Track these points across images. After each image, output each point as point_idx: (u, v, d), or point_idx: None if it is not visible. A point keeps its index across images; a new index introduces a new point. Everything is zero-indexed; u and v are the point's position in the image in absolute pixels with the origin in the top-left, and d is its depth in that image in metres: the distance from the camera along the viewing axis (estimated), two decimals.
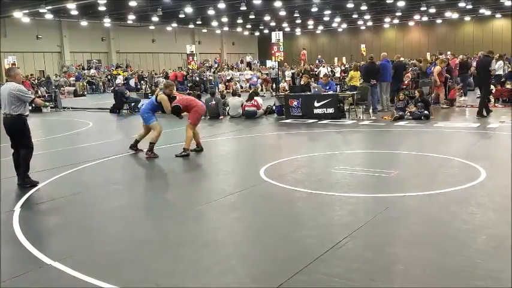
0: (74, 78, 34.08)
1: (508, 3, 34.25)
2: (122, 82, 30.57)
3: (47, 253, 4.38)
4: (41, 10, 28.77)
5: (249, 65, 40.24)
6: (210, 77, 28.86)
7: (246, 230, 5.11)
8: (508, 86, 15.44)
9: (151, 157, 8.83)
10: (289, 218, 5.35)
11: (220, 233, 4.95)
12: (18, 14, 30.63)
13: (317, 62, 33.73)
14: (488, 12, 40.61)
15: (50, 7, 28.50)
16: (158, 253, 4.38)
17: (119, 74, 35.10)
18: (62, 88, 30.58)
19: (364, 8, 33.56)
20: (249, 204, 6.03)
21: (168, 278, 3.85)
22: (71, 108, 21.10)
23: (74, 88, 31.19)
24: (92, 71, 37.60)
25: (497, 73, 16.79)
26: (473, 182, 6.24)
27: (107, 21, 37.19)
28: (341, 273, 3.80)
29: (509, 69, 19.18)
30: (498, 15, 41.88)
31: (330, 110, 13.34)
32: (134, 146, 9.43)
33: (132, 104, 18.21)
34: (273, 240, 4.64)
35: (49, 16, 32.58)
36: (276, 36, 16.45)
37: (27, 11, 30.36)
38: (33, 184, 6.92)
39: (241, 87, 26.86)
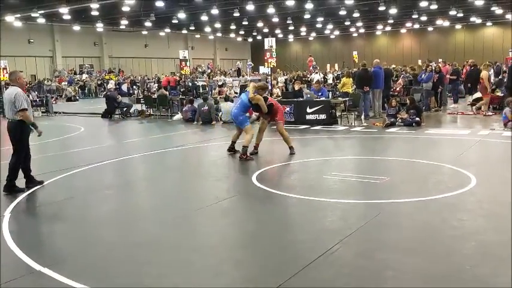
0: (66, 83, 33.95)
1: (498, 12, 34.67)
2: (114, 87, 30.48)
3: (37, 259, 4.36)
4: (33, 14, 28.63)
5: (238, 71, 40.32)
6: (202, 83, 28.84)
7: (238, 235, 5.12)
8: (498, 94, 15.60)
9: (247, 159, 8.86)
10: (281, 223, 5.36)
11: (212, 238, 4.95)
12: (10, 18, 30.48)
13: (311, 68, 33.93)
14: (479, 20, 41.06)
15: (42, 11, 28.36)
16: (150, 258, 4.37)
17: (111, 79, 34.98)
18: (64, 90, 30.77)
19: (356, 15, 33.80)
20: (241, 209, 6.04)
21: (160, 283, 3.85)
22: (63, 112, 21.00)
23: (74, 92, 31.25)
24: (84, 75, 37.48)
25: None
26: (464, 189, 6.29)
27: (99, 26, 37.14)
28: (332, 279, 3.82)
29: (500, 77, 19.41)
30: (489, 23, 42.39)
31: (322, 116, 13.39)
32: (232, 149, 9.61)
33: (124, 109, 18.15)
34: (264, 245, 4.65)
35: (41, 20, 32.46)
36: (269, 43, 16.50)
37: (19, 15, 30.21)
38: (21, 190, 6.89)
39: (236, 92, 26.86)
